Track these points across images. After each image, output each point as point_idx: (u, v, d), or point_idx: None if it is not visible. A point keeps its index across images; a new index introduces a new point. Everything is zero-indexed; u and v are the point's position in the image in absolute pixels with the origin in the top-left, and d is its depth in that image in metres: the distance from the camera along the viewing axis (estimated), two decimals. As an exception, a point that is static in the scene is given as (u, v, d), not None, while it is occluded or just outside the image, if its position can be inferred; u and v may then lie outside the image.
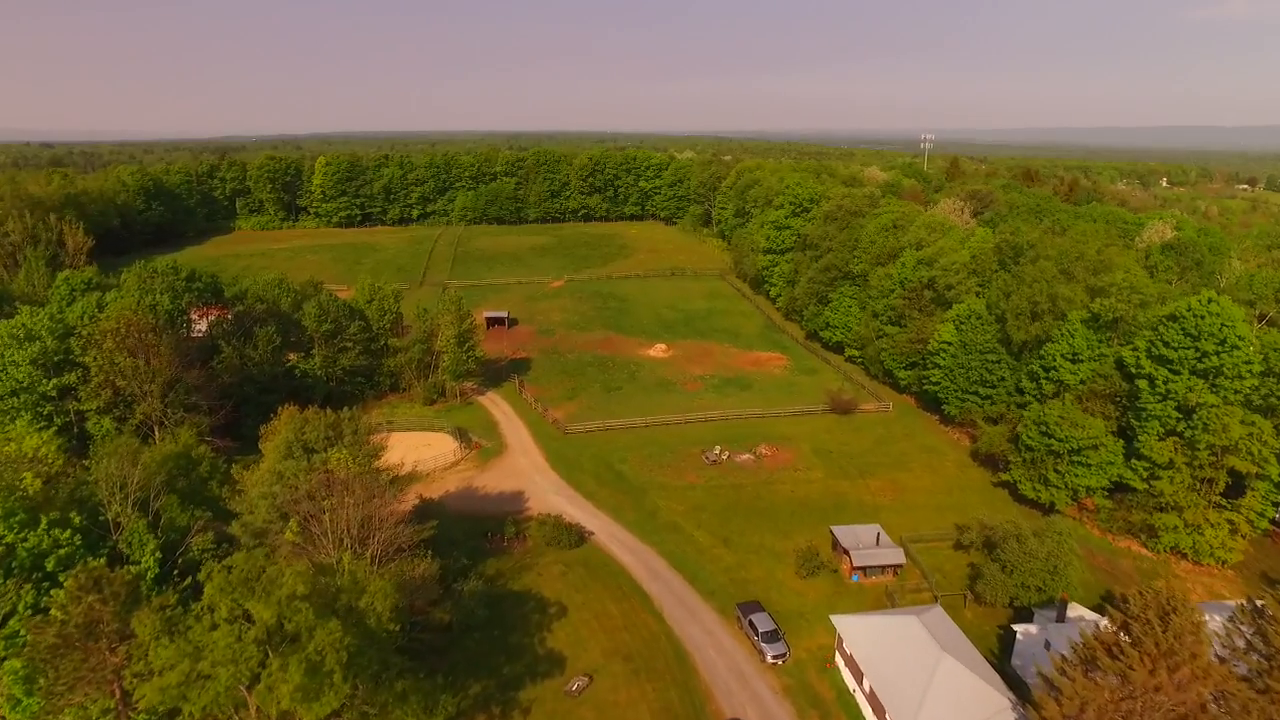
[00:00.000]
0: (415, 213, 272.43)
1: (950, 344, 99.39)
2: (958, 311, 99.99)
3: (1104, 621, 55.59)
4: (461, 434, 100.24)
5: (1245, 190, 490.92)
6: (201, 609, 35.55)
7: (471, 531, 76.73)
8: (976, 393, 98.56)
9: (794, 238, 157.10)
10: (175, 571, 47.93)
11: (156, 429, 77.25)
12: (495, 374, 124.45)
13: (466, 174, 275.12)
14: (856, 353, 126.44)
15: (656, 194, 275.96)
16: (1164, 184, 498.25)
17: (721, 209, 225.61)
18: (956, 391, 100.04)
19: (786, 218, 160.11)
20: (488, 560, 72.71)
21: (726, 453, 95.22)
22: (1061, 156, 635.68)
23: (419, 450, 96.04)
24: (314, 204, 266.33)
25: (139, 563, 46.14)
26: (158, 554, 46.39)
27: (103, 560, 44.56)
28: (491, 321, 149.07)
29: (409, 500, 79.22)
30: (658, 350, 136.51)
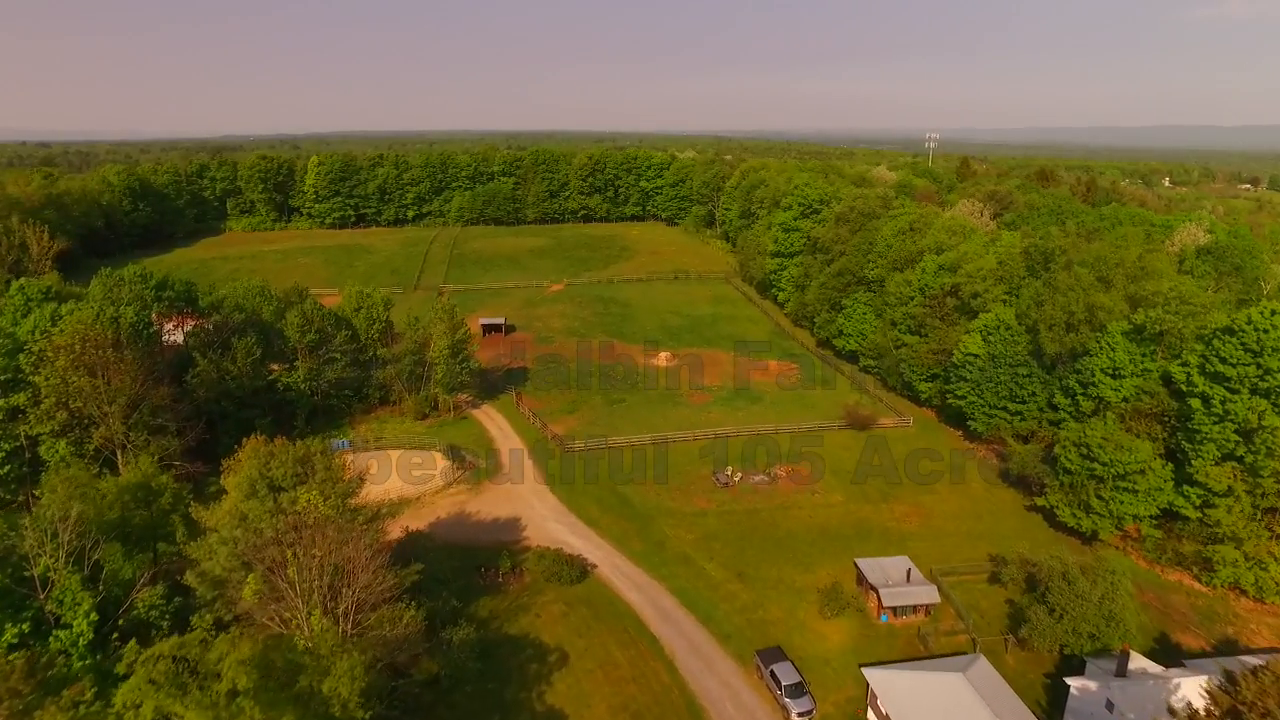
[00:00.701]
0: (410, 213, 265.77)
1: (977, 356, 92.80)
2: (985, 321, 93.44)
3: (1180, 682, 49.21)
4: (454, 453, 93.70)
5: (1248, 190, 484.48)
6: (123, 706, 29.07)
7: (463, 565, 70.13)
8: (1005, 408, 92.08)
9: (803, 240, 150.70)
10: (115, 635, 41.38)
11: (119, 453, 70.64)
12: (491, 385, 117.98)
13: (463, 174, 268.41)
14: (872, 363, 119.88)
15: (658, 194, 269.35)
16: (1166, 183, 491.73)
17: (726, 210, 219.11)
18: (984, 407, 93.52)
19: (795, 219, 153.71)
20: (480, 599, 66.16)
21: (739, 474, 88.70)
22: (1061, 156, 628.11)
23: (408, 471, 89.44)
24: (307, 205, 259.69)
25: (71, 626, 39.56)
26: (93, 615, 39.84)
27: (26, 625, 37.94)
28: (487, 328, 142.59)
29: (395, 531, 72.85)
30: (662, 359, 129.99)
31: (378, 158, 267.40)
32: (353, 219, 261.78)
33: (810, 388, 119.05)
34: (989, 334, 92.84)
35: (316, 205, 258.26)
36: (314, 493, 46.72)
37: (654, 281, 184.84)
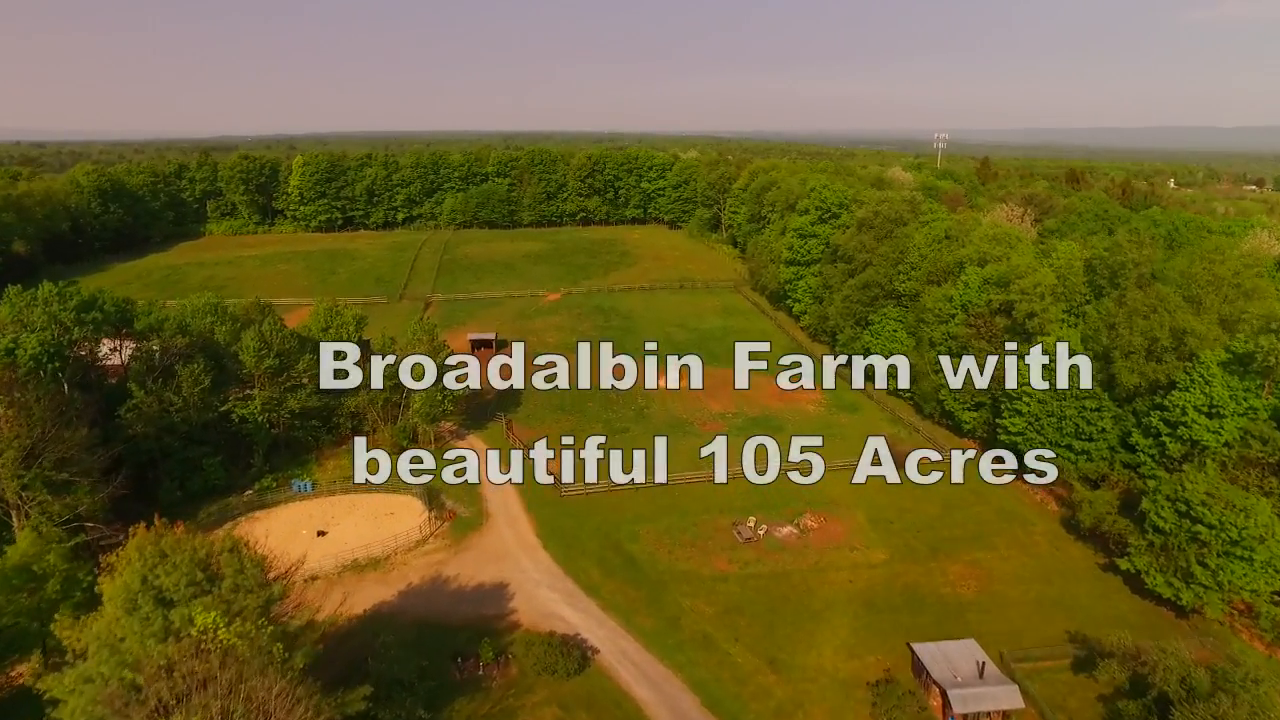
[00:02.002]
0: (400, 216, 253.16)
1: (1037, 386, 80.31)
2: (1045, 346, 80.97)
3: None
4: (432, 497, 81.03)
5: (1253, 191, 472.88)
6: None
7: (437, 653, 57.43)
8: (1070, 446, 79.67)
9: (821, 247, 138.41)
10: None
11: (14, 515, 58.03)
12: (479, 410, 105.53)
13: (456, 174, 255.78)
14: (905, 386, 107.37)
15: (660, 196, 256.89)
16: (1171, 185, 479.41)
17: (733, 213, 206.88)
18: (1043, 444, 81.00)
19: (812, 224, 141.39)
20: (456, 701, 53.60)
21: (764, 526, 76.23)
22: (1061, 157, 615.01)
23: (379, 521, 76.93)
24: (291, 207, 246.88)
25: None
26: None
27: None
28: (477, 344, 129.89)
29: (357, 607, 60.52)
30: (668, 379, 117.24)
31: (366, 157, 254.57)
32: (339, 222, 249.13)
33: (836, 414, 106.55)
34: (1050, 360, 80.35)
35: (301, 208, 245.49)
36: (214, 613, 34.18)
37: (657, 291, 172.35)
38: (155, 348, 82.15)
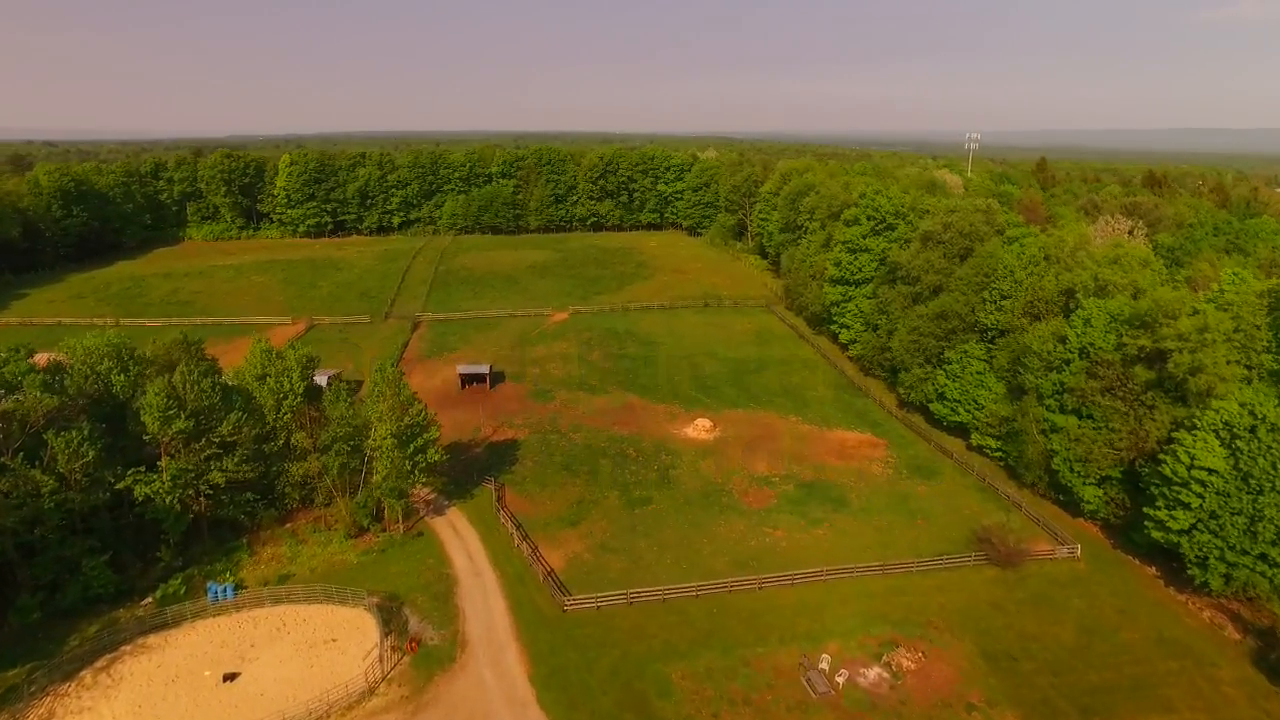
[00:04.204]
0: (396, 220, 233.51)
1: (1216, 471, 58.69)
2: (1227, 415, 59.36)
3: None
4: (392, 613, 60.28)
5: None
6: None
7: None
8: (1264, 556, 58.09)
9: (875, 264, 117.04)
10: None
11: None
12: (465, 468, 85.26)
13: (457, 175, 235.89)
14: (994, 444, 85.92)
15: (678, 199, 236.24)
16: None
17: (762, 220, 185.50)
18: (1221, 549, 59.42)
19: (864, 237, 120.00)
20: None
21: (842, 668, 54.82)
22: (1072, 159, 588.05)
23: (314, 654, 56.08)
24: (277, 210, 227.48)
25: None
26: None
27: None
28: (467, 379, 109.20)
29: None
30: (699, 428, 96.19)
31: (359, 157, 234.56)
32: (330, 226, 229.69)
33: (909, 480, 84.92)
34: (1235, 436, 58.79)
35: (288, 211, 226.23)
36: None
37: (680, 310, 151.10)
38: (21, 410, 61.64)
